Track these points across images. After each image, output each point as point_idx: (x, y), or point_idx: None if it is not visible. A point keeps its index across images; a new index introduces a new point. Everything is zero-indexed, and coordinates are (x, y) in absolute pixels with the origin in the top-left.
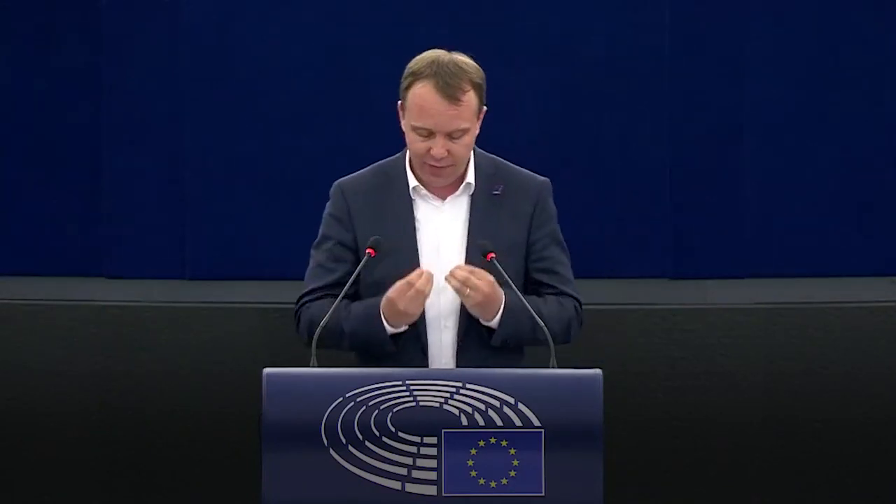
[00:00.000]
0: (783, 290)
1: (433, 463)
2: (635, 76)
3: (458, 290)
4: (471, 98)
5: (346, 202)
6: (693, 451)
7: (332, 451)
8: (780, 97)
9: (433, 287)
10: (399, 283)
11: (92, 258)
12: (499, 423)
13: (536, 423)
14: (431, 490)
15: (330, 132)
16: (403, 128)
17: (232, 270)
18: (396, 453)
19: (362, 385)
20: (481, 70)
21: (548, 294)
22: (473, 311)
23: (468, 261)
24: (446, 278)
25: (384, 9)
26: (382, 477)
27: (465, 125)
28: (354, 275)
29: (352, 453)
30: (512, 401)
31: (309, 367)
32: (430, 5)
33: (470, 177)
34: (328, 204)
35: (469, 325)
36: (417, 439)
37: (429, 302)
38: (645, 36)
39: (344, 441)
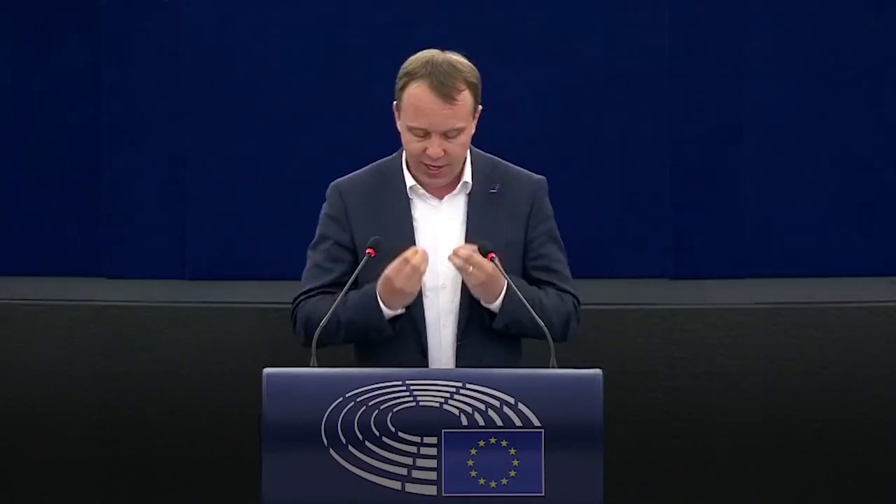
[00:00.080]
0: (783, 290)
1: (433, 463)
2: (635, 76)
3: (460, 269)
4: (466, 97)
5: (343, 202)
6: (693, 451)
7: (332, 451)
8: (780, 97)
9: (432, 287)
10: (395, 261)
11: (92, 258)
12: (499, 423)
13: (536, 423)
14: (431, 490)
15: (330, 132)
16: (399, 128)
17: (232, 270)
18: (396, 453)
19: (362, 385)
20: (476, 69)
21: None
22: (475, 292)
23: None
24: (450, 257)
25: (384, 9)
26: (382, 477)
27: (460, 124)
28: (354, 275)
29: (352, 453)
30: (512, 401)
31: (309, 367)
32: (430, 5)
33: (467, 176)
34: (325, 204)
35: (468, 325)
36: (417, 439)
37: (428, 302)
38: (645, 36)
39: (344, 441)
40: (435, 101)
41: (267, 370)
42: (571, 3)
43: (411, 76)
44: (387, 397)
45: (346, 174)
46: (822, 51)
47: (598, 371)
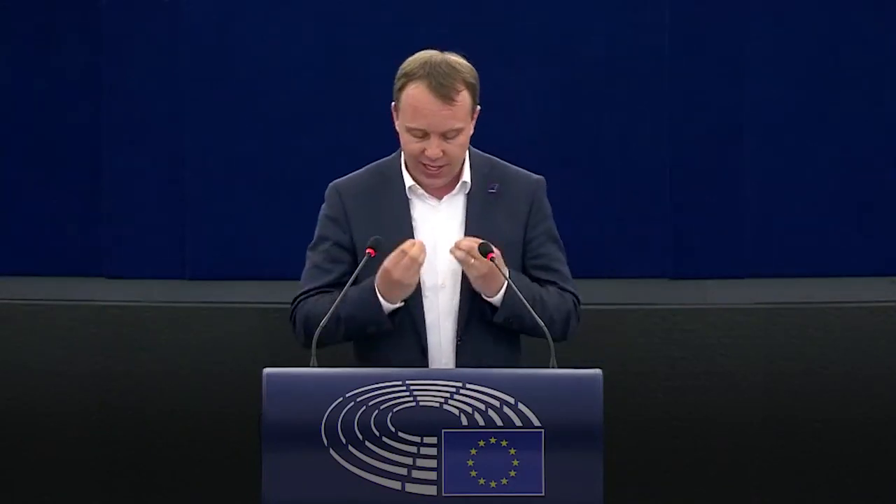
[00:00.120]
0: (783, 290)
1: (433, 463)
2: (635, 76)
3: (462, 261)
4: (464, 98)
5: (342, 203)
6: (693, 451)
7: (332, 451)
8: (780, 97)
9: (431, 288)
10: (393, 253)
11: (92, 258)
12: (499, 423)
13: (536, 423)
14: (431, 490)
15: (330, 132)
16: (397, 129)
17: (232, 270)
18: (396, 453)
19: (362, 385)
20: (474, 70)
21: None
22: (477, 285)
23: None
24: (451, 250)
25: (384, 9)
26: (382, 477)
27: (459, 125)
28: (355, 275)
29: (352, 453)
30: (512, 401)
31: (309, 367)
32: (430, 5)
33: (466, 176)
34: (324, 205)
35: (468, 324)
36: (417, 439)
37: (427, 302)
38: (645, 36)
39: (344, 441)
40: (433, 102)
41: (267, 370)
42: (571, 3)
43: (409, 77)
44: (387, 397)
45: (346, 174)
46: (822, 51)
47: (598, 371)
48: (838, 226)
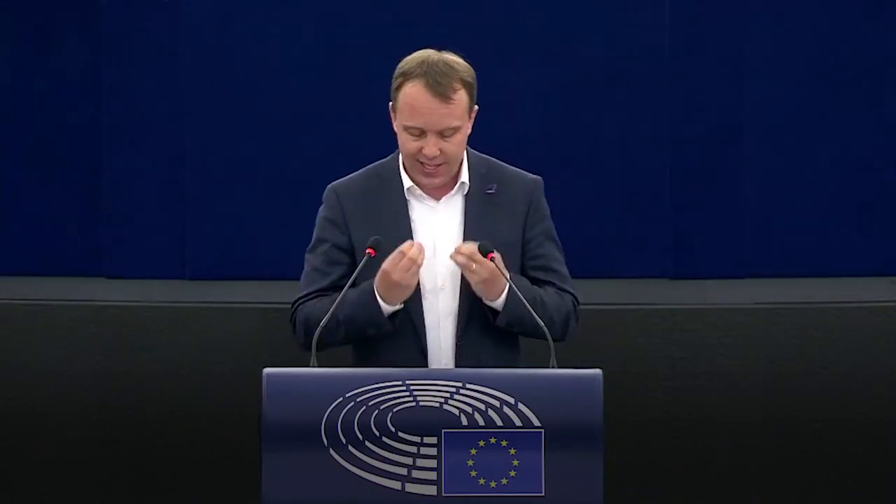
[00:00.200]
0: (783, 290)
1: (433, 463)
2: (635, 76)
3: (463, 266)
4: (462, 96)
5: (340, 205)
6: (693, 451)
7: (332, 451)
8: (780, 97)
9: (431, 288)
10: (392, 255)
11: (92, 258)
12: (499, 423)
13: (536, 423)
14: (431, 490)
15: (330, 132)
16: (395, 129)
17: (232, 270)
18: (396, 453)
19: (362, 385)
20: (472, 69)
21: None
22: (478, 289)
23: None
24: (452, 256)
25: (384, 9)
26: (382, 477)
27: (456, 123)
28: (354, 275)
29: (352, 453)
30: (512, 401)
31: (309, 367)
32: (430, 5)
33: (464, 176)
34: (322, 208)
35: (468, 326)
36: (417, 439)
37: (427, 303)
38: (645, 36)
39: (344, 441)
40: (431, 101)
41: (267, 370)
42: (571, 3)
43: (406, 76)
44: (387, 397)
45: (346, 174)
46: (822, 51)
47: (598, 371)
48: (838, 226)
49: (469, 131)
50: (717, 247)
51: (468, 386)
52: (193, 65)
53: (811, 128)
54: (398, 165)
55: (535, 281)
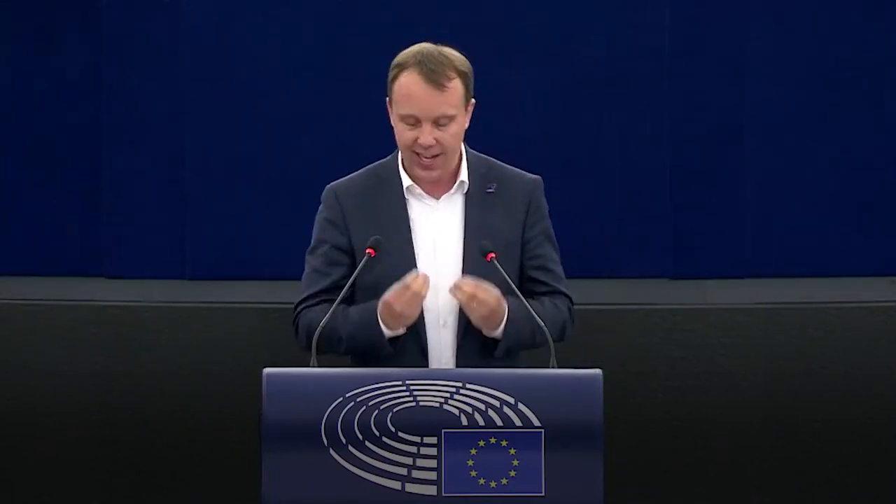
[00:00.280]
0: (783, 290)
1: (433, 463)
2: (635, 76)
3: (464, 304)
4: (456, 85)
5: (339, 205)
6: (693, 451)
7: (332, 451)
8: (780, 97)
9: (431, 287)
10: (395, 287)
11: (92, 258)
12: (499, 423)
13: (536, 423)
14: (431, 490)
15: (330, 132)
16: (392, 123)
17: (232, 270)
18: (396, 453)
19: (362, 385)
20: (467, 61)
21: (542, 293)
22: (477, 324)
23: (465, 259)
24: (450, 290)
25: (384, 9)
26: (382, 477)
27: (451, 111)
28: (354, 275)
29: (352, 453)
30: (512, 401)
31: (309, 367)
32: (430, 5)
33: (463, 175)
34: (321, 208)
35: (468, 325)
36: (417, 439)
37: (427, 302)
38: (645, 36)
39: (344, 441)
40: (425, 88)
41: (267, 370)
42: (571, 3)
43: (401, 67)
44: (387, 397)
45: (346, 174)
46: (822, 51)
47: (598, 371)
48: (838, 226)
49: (466, 125)
50: (717, 247)
51: (468, 386)
52: (193, 65)
53: (811, 128)
54: (397, 165)
55: (532, 280)
